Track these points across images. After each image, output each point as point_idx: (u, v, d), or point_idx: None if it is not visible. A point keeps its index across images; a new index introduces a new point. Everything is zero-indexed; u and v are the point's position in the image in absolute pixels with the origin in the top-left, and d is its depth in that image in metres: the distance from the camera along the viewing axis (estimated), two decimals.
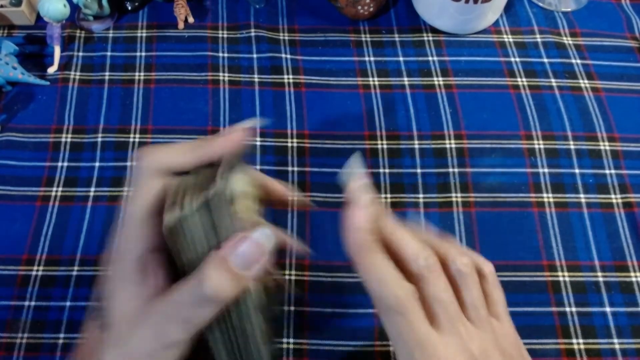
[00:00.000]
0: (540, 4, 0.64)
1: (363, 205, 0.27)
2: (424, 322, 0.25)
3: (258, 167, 0.52)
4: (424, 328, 0.25)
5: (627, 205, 0.51)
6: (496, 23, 0.62)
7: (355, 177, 0.28)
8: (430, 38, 0.61)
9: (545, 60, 0.60)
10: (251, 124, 0.28)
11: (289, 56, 0.59)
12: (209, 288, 0.23)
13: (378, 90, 0.57)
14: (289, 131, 0.54)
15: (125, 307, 0.25)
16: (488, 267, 0.30)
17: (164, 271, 0.26)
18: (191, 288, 0.24)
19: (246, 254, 0.24)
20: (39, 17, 0.60)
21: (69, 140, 0.54)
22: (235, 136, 0.27)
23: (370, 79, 0.58)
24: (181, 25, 0.61)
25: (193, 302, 0.24)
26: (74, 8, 0.59)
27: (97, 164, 0.52)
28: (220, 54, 0.59)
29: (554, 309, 0.46)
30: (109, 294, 0.26)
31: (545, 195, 0.51)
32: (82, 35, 0.60)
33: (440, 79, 0.58)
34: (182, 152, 0.27)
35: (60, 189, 0.51)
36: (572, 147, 0.54)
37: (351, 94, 0.57)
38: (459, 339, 0.26)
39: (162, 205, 0.25)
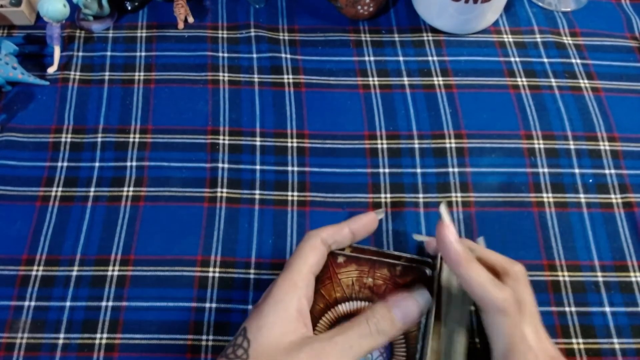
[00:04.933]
0: (540, 4, 0.64)
1: (450, 224, 0.33)
2: (524, 322, 0.32)
3: (258, 167, 0.52)
4: (524, 326, 0.32)
5: (627, 205, 0.51)
6: (496, 23, 0.62)
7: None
8: (430, 38, 0.61)
9: (545, 60, 0.60)
10: (381, 215, 0.36)
11: (289, 56, 0.59)
12: (373, 325, 0.29)
13: (378, 90, 0.57)
14: (289, 131, 0.54)
15: (281, 339, 0.29)
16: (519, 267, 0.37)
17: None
18: (359, 323, 0.30)
19: (406, 310, 0.31)
20: (38, 17, 0.60)
21: (68, 140, 0.54)
22: (373, 217, 0.35)
23: (370, 78, 0.58)
24: (181, 25, 0.60)
25: (359, 335, 0.29)
26: (74, 8, 0.59)
27: (97, 164, 0.52)
28: (220, 54, 0.59)
29: (553, 308, 0.46)
30: (262, 326, 0.30)
31: (545, 195, 0.51)
32: (82, 35, 0.60)
33: (440, 78, 0.58)
34: (338, 229, 0.34)
35: (60, 189, 0.51)
36: (572, 147, 0.54)
37: (351, 94, 0.57)
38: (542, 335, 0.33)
39: (319, 269, 0.32)
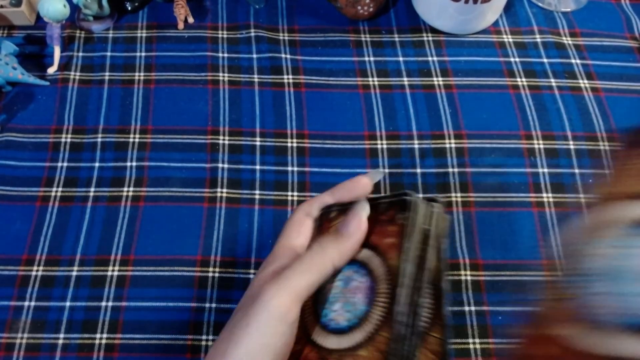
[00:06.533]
0: (540, 4, 0.64)
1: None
2: None
3: (258, 167, 0.52)
4: None
5: None
6: (496, 23, 0.62)
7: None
8: (430, 38, 0.61)
9: (545, 60, 0.60)
10: (379, 176, 0.33)
11: (288, 56, 0.59)
12: (318, 245, 0.29)
13: (378, 90, 0.57)
14: (289, 131, 0.54)
15: None
16: None
17: None
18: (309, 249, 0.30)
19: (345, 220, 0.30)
20: (38, 17, 0.60)
21: (68, 140, 0.54)
22: (365, 182, 0.33)
23: (370, 79, 0.58)
24: (181, 25, 0.61)
25: (310, 258, 0.29)
26: (74, 8, 0.59)
27: (96, 164, 0.52)
28: (220, 54, 0.59)
29: None
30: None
31: (545, 195, 0.51)
32: (82, 35, 0.60)
33: (440, 79, 0.58)
34: (319, 198, 0.33)
35: (59, 189, 0.51)
36: (572, 147, 0.54)
37: (351, 94, 0.57)
38: None
39: (304, 238, 0.32)
